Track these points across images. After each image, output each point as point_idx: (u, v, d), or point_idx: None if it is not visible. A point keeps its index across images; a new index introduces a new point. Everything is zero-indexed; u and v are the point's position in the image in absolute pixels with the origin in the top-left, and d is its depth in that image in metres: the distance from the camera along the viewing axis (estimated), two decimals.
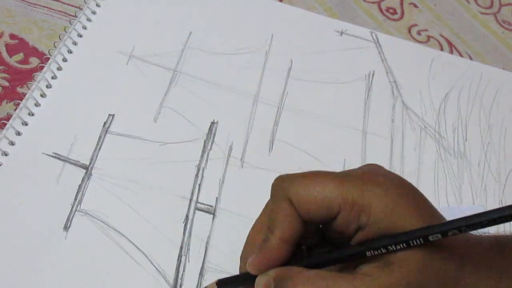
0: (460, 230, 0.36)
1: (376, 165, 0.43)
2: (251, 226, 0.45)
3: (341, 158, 0.57)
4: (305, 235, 0.42)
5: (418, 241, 0.37)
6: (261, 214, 0.44)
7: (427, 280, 0.37)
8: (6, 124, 0.53)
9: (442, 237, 0.36)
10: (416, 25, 0.70)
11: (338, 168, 0.55)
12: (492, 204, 0.56)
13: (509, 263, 0.40)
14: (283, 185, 0.41)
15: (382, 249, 0.38)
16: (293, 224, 0.40)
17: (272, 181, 0.51)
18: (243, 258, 0.43)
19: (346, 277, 0.39)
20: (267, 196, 0.52)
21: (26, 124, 0.53)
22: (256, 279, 0.41)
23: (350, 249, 0.40)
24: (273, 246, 0.40)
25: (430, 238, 0.36)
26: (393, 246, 0.37)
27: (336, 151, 0.57)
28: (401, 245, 0.37)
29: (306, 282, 0.39)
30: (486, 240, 0.41)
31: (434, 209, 0.40)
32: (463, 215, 0.38)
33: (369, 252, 0.38)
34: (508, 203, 0.55)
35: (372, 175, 0.41)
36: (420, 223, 0.37)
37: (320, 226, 0.43)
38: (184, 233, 0.50)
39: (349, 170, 0.43)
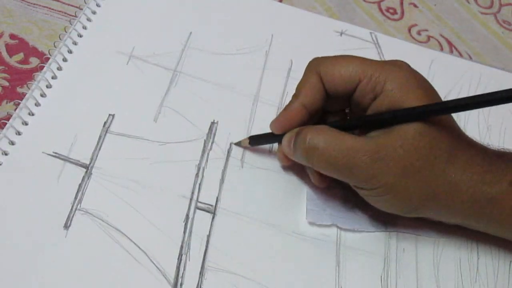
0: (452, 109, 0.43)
1: (400, 60, 0.49)
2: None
3: None
4: (329, 105, 0.51)
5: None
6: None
7: (420, 148, 0.44)
8: (6, 123, 0.53)
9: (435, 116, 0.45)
10: (416, 25, 0.70)
11: None
12: None
13: (491, 159, 0.47)
14: (315, 62, 0.50)
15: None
16: (315, 93, 0.49)
17: (273, 180, 0.55)
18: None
19: (352, 136, 0.46)
20: (267, 196, 0.53)
21: (26, 124, 0.53)
22: (284, 137, 0.50)
23: (358, 119, 0.49)
24: (293, 108, 0.49)
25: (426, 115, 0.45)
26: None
27: None
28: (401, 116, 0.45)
29: (318, 131, 0.47)
30: (475, 143, 0.49)
31: (437, 93, 0.48)
32: None
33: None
34: None
35: (391, 61, 0.48)
36: (424, 100, 0.45)
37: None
38: (184, 232, 0.50)
39: None
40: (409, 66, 0.48)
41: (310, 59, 0.50)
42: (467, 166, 0.46)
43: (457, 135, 0.47)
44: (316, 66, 0.49)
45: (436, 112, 0.44)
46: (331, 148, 0.45)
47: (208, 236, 0.50)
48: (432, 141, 0.45)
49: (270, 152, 0.56)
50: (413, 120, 0.44)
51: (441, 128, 0.46)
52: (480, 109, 0.62)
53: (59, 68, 0.57)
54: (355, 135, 0.46)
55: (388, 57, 0.65)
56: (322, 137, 0.46)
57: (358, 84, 0.47)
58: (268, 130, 0.52)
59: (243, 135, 0.56)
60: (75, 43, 0.59)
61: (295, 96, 0.50)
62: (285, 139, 0.50)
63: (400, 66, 0.47)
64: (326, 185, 0.52)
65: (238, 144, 0.55)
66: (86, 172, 0.51)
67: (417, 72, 0.48)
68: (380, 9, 0.71)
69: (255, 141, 0.54)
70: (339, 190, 0.54)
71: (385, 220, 0.53)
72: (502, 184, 0.46)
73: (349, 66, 0.48)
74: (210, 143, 0.55)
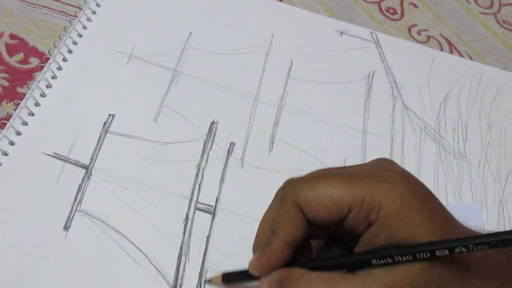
0: (467, 248, 0.36)
1: (386, 159, 0.44)
2: (255, 223, 0.46)
3: (341, 158, 0.57)
4: (313, 234, 0.43)
5: (424, 255, 0.37)
6: (267, 211, 0.45)
7: (431, 283, 0.37)
8: (6, 124, 0.53)
9: (448, 253, 0.36)
10: (416, 25, 0.70)
11: None
12: (492, 204, 0.56)
13: (506, 266, 0.40)
14: (291, 190, 0.42)
15: (388, 258, 0.38)
16: (298, 228, 0.41)
17: (272, 180, 0.52)
18: (254, 253, 0.44)
19: (348, 277, 0.39)
20: (267, 196, 0.52)
21: (26, 124, 0.53)
22: (260, 280, 0.42)
23: (356, 256, 0.40)
24: (275, 248, 0.41)
25: (437, 253, 0.36)
26: (399, 257, 0.37)
27: (336, 151, 0.57)
28: (407, 257, 0.37)
29: (309, 284, 0.40)
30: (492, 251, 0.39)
31: (442, 206, 0.41)
32: (463, 213, 0.41)
33: (375, 261, 0.38)
34: (508, 204, 0.56)
35: (381, 171, 0.41)
36: (429, 222, 0.38)
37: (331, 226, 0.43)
38: (184, 233, 0.50)
39: (358, 165, 0.44)
40: (403, 175, 0.41)
41: (284, 182, 0.44)
42: (485, 280, 0.39)
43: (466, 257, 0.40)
44: (292, 195, 0.42)
45: (450, 250, 0.37)
46: None
47: (208, 237, 0.50)
48: (443, 272, 0.38)
49: (270, 152, 0.56)
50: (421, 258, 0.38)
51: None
52: (480, 109, 0.62)
53: (59, 68, 0.57)
54: (350, 274, 0.40)
55: (388, 56, 0.65)
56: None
57: (347, 213, 0.40)
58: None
59: (243, 135, 0.56)
60: (75, 43, 0.59)
61: (273, 232, 0.42)
62: (264, 284, 0.42)
63: (393, 181, 0.40)
64: None
65: (210, 282, 0.47)
66: (86, 172, 0.51)
67: (416, 183, 0.42)
68: (380, 9, 0.71)
69: (229, 279, 0.46)
70: None
71: None
72: None
73: (333, 192, 0.40)
74: (210, 143, 0.55)
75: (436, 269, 0.38)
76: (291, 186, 0.43)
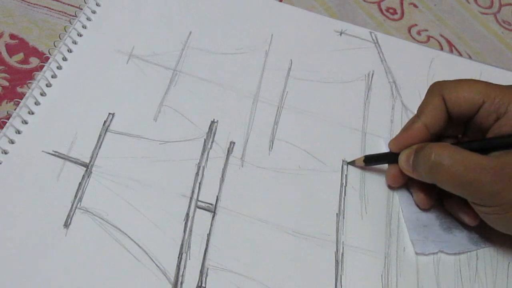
0: None
1: None
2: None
3: (340, 158, 0.57)
4: (448, 130, 0.53)
5: None
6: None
7: None
8: (6, 123, 0.53)
9: None
10: (416, 25, 0.71)
11: (337, 167, 0.55)
12: None
13: None
14: (438, 84, 0.52)
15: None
16: (438, 114, 0.51)
17: (272, 179, 0.55)
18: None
19: (476, 153, 0.47)
20: (266, 195, 0.53)
21: (26, 123, 0.53)
22: (400, 153, 0.52)
23: (487, 140, 0.50)
24: (415, 128, 0.52)
25: None
26: None
27: (335, 151, 0.57)
28: None
29: (442, 147, 0.48)
30: None
31: None
32: None
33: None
34: None
35: None
36: None
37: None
38: (184, 231, 0.50)
39: None
40: None
41: (432, 83, 0.53)
42: None
43: None
44: (439, 88, 0.51)
45: None
46: (457, 164, 0.46)
47: (208, 235, 0.50)
48: None
49: (270, 151, 0.56)
50: None
51: None
52: None
53: (59, 67, 0.57)
54: (476, 153, 0.47)
55: (388, 56, 0.65)
56: (447, 153, 0.47)
57: (481, 105, 0.49)
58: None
59: (243, 134, 0.56)
60: (75, 43, 0.59)
61: (416, 116, 0.52)
62: (402, 156, 0.52)
63: None
64: (429, 206, 0.54)
65: (352, 163, 0.56)
66: (86, 171, 0.51)
67: None
68: (380, 9, 0.71)
69: (370, 161, 0.55)
70: (433, 214, 0.54)
71: (481, 236, 0.53)
72: None
73: (473, 89, 0.50)
74: (210, 142, 0.55)
75: None
76: (439, 83, 0.52)
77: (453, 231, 0.53)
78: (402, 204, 0.54)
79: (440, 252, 0.52)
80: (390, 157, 0.54)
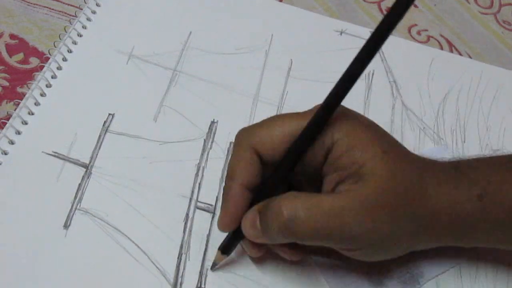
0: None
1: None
2: None
3: None
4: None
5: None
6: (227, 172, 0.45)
7: (396, 186, 0.41)
8: (6, 123, 0.53)
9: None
10: (416, 25, 0.70)
11: None
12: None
13: (463, 175, 0.44)
14: (245, 133, 0.44)
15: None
16: (253, 169, 0.43)
17: None
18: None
19: (326, 195, 0.42)
20: None
21: (26, 123, 0.53)
22: (242, 222, 0.44)
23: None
24: (234, 194, 0.43)
25: None
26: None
27: None
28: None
29: (290, 199, 0.41)
30: (442, 162, 0.46)
31: (391, 136, 0.45)
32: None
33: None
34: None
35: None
36: (375, 140, 0.42)
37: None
38: (184, 232, 0.50)
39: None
40: (352, 111, 0.45)
41: (238, 132, 0.45)
42: (438, 186, 0.43)
43: (415, 159, 0.45)
44: (246, 138, 0.44)
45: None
46: (314, 214, 0.40)
47: (208, 235, 0.50)
48: (404, 178, 0.42)
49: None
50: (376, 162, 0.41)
51: (403, 160, 0.43)
52: (480, 110, 0.62)
53: (59, 68, 0.57)
54: (328, 194, 0.42)
55: (388, 56, 0.65)
56: (300, 204, 0.40)
57: None
58: None
59: None
60: (75, 43, 0.59)
61: (230, 178, 0.44)
62: (246, 225, 0.43)
63: (345, 110, 0.44)
64: (300, 258, 0.47)
65: (214, 266, 0.48)
66: (86, 171, 0.51)
67: (361, 116, 0.45)
68: (380, 9, 0.71)
69: (227, 249, 0.47)
70: (358, 272, 0.49)
71: (412, 274, 0.50)
72: (472, 200, 0.43)
73: (285, 127, 0.43)
74: (210, 143, 0.55)
75: (396, 172, 0.41)
76: (244, 132, 0.44)
77: (384, 281, 0.49)
78: (325, 276, 0.49)
79: None
80: (238, 234, 0.45)
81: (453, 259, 0.52)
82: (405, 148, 0.45)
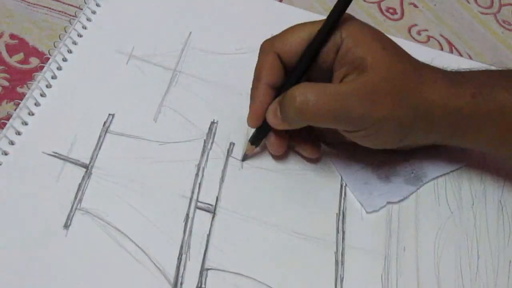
0: None
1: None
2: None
3: None
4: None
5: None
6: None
7: (394, 76, 0.47)
8: (6, 123, 0.53)
9: None
10: (416, 25, 0.70)
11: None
12: (492, 204, 0.56)
13: (458, 77, 0.50)
14: (268, 42, 0.51)
15: None
16: (276, 69, 0.50)
17: (272, 180, 0.55)
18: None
19: (334, 84, 0.48)
20: (267, 195, 0.53)
21: (26, 124, 0.53)
22: (266, 113, 0.51)
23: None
24: (260, 92, 0.51)
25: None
26: None
27: None
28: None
29: (303, 87, 0.47)
30: (439, 67, 0.52)
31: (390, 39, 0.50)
32: None
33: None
34: (507, 204, 0.56)
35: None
36: (376, 39, 0.48)
37: None
38: (184, 232, 0.50)
39: None
40: (356, 18, 0.51)
41: (262, 42, 0.52)
42: (434, 83, 0.49)
43: (414, 60, 0.50)
44: (269, 45, 0.51)
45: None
46: (322, 97, 0.46)
47: (208, 235, 0.50)
48: (403, 69, 0.48)
49: (270, 152, 0.56)
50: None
51: (402, 57, 0.49)
52: None
53: (59, 68, 0.57)
54: (338, 83, 0.48)
55: None
56: (310, 90, 0.47)
57: None
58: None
59: (243, 135, 0.56)
60: (75, 43, 0.59)
61: (257, 79, 0.51)
62: (269, 114, 0.50)
63: (349, 17, 0.50)
64: (319, 155, 0.55)
65: (246, 157, 0.55)
66: (86, 171, 0.51)
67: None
68: (380, 9, 0.71)
69: (255, 140, 0.54)
70: (368, 168, 0.56)
71: (416, 175, 0.56)
72: (466, 97, 0.49)
73: (300, 32, 0.49)
74: (210, 143, 0.55)
75: (395, 64, 0.48)
76: (267, 41, 0.51)
77: (391, 178, 0.55)
78: (340, 170, 0.56)
79: (388, 203, 0.54)
80: (264, 128, 0.52)
81: (454, 163, 0.57)
82: (404, 50, 0.50)
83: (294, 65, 0.50)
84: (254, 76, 0.51)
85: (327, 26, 0.48)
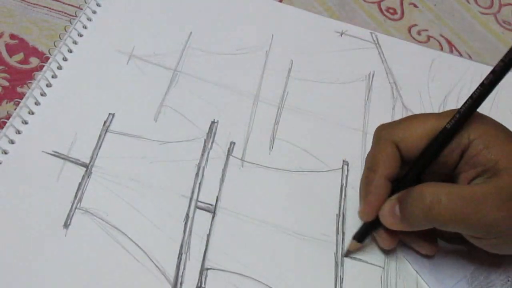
0: None
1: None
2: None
3: (341, 158, 0.57)
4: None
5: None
6: (365, 165, 0.50)
7: None
8: (6, 123, 0.53)
9: None
10: (416, 25, 0.70)
11: (338, 167, 0.55)
12: None
13: None
14: (385, 130, 0.48)
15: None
16: (394, 162, 0.47)
17: (273, 179, 0.54)
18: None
19: (466, 186, 0.45)
20: (267, 195, 0.53)
21: (26, 123, 0.53)
22: (380, 210, 0.48)
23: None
24: (376, 185, 0.47)
25: None
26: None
27: (336, 151, 0.57)
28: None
29: (434, 186, 0.44)
30: None
31: None
32: None
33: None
34: None
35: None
36: (509, 139, 0.45)
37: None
38: (184, 232, 0.50)
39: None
40: (486, 116, 0.47)
41: (377, 128, 0.49)
42: None
43: None
44: (388, 134, 0.48)
45: None
46: (455, 200, 0.43)
47: (208, 235, 0.50)
48: None
49: (270, 151, 0.55)
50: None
51: None
52: (480, 110, 0.62)
53: (59, 68, 0.57)
54: (468, 185, 0.45)
55: (388, 57, 0.65)
56: (442, 191, 0.44)
57: None
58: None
59: (243, 135, 0.56)
60: (75, 43, 0.59)
61: (372, 172, 0.48)
62: (385, 213, 0.47)
63: (479, 115, 0.46)
64: (393, 246, 0.50)
65: (349, 253, 0.51)
66: (86, 171, 0.51)
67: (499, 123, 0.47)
68: (380, 9, 0.71)
69: (361, 239, 0.50)
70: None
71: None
72: None
73: (426, 126, 0.46)
74: (210, 143, 0.55)
75: None
76: (384, 128, 0.49)
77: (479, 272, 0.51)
78: (407, 257, 0.52)
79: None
80: (374, 224, 0.49)
81: None
82: None
83: (413, 158, 0.47)
84: (368, 165, 0.49)
85: (455, 126, 0.45)
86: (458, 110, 0.45)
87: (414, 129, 0.47)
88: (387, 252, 0.51)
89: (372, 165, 0.48)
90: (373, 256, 0.51)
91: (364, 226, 0.50)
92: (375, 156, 0.48)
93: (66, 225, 0.48)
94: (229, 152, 0.55)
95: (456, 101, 0.63)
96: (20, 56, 0.59)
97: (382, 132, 0.48)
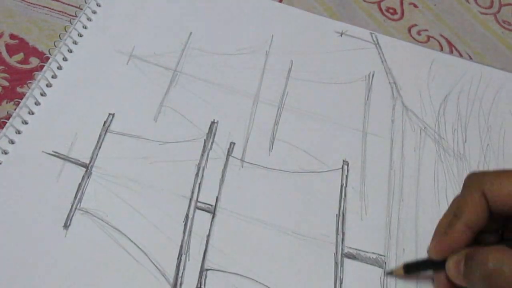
0: None
1: None
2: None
3: (341, 158, 0.57)
4: (488, 227, 0.46)
5: None
6: (449, 207, 0.48)
7: None
8: (6, 123, 0.53)
9: None
10: (416, 25, 0.70)
11: (338, 167, 0.55)
12: None
13: None
14: (477, 178, 0.46)
15: None
16: (481, 213, 0.45)
17: (272, 180, 0.54)
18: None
19: None
20: (267, 195, 0.53)
21: (26, 123, 0.53)
22: (448, 259, 0.46)
23: None
24: (457, 231, 0.45)
25: None
26: None
27: (336, 151, 0.57)
28: None
29: (499, 253, 0.42)
30: None
31: None
32: None
33: None
34: None
35: None
36: None
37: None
38: (184, 232, 0.50)
39: None
40: None
41: (468, 174, 0.48)
42: None
43: None
44: (478, 182, 0.45)
45: None
46: None
47: (208, 236, 0.50)
48: None
49: (270, 152, 0.56)
50: None
51: None
52: (480, 110, 0.62)
53: (59, 68, 0.57)
54: None
55: (388, 57, 0.65)
56: (507, 260, 0.41)
57: None
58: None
59: (243, 135, 0.56)
60: (75, 43, 0.59)
61: (456, 216, 0.46)
62: (451, 264, 0.45)
63: None
64: None
65: (390, 273, 0.51)
66: (86, 171, 0.51)
67: None
68: (380, 9, 0.71)
69: (410, 269, 0.50)
70: None
71: None
72: None
73: None
74: (210, 143, 0.55)
75: None
76: (476, 175, 0.46)
77: None
78: None
79: None
80: (434, 264, 0.48)
81: None
82: None
83: (500, 213, 0.45)
84: (452, 209, 0.47)
85: None
86: None
87: (506, 184, 0.44)
88: (386, 252, 0.51)
89: (457, 210, 0.46)
90: (372, 256, 0.51)
91: (423, 261, 0.49)
92: (461, 202, 0.46)
93: (66, 225, 0.48)
94: (229, 153, 0.55)
95: (457, 101, 0.63)
96: (20, 56, 0.59)
97: (473, 180, 0.46)
